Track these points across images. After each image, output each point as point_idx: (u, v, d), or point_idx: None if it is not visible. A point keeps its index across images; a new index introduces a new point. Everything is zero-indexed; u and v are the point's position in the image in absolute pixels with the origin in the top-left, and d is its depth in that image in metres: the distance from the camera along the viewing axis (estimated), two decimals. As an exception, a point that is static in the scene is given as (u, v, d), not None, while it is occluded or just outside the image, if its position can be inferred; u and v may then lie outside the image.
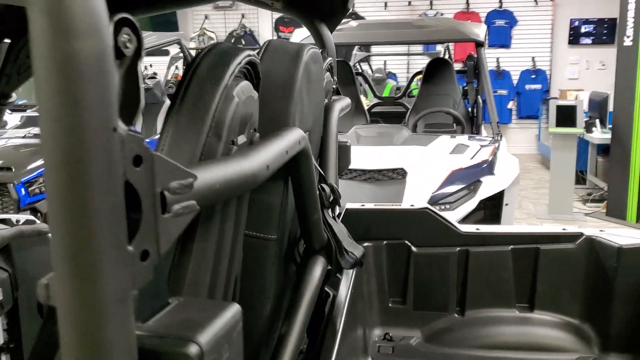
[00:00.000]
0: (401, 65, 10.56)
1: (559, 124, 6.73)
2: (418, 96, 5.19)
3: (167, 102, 5.77)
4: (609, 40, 10.01)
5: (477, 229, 2.12)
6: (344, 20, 4.71)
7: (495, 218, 3.73)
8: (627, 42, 6.46)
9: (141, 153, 0.58)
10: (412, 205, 2.16)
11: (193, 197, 0.65)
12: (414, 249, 2.11)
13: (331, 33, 2.28)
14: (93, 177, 0.52)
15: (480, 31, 4.52)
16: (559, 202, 6.89)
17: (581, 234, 2.05)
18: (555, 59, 10.30)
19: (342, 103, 1.82)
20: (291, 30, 10.95)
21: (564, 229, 2.10)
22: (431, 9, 10.43)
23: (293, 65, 1.22)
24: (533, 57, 10.28)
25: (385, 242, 2.14)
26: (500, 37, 10.02)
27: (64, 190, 0.52)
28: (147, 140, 5.05)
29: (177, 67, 10.58)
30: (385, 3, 10.51)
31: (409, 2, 10.49)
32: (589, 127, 7.31)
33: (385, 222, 2.14)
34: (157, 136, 5.33)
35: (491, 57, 9.98)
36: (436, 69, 5.24)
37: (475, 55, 5.09)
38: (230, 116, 0.85)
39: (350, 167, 3.11)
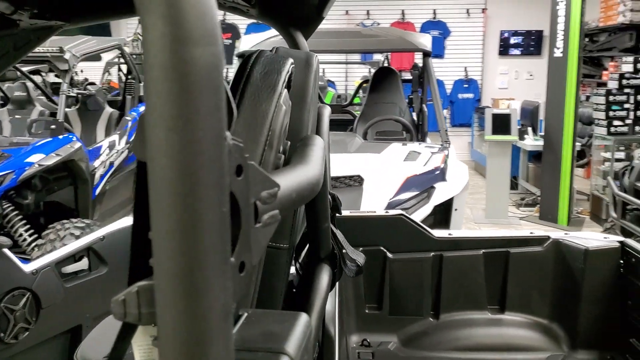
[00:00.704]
0: (340, 73, 10.67)
1: (495, 131, 6.99)
2: (365, 104, 5.26)
3: (108, 109, 5.59)
4: (536, 52, 10.49)
5: (449, 234, 2.18)
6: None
7: (445, 223, 3.83)
8: (558, 53, 6.79)
9: (242, 162, 0.57)
10: (387, 212, 2.19)
11: (276, 206, 0.64)
12: (389, 255, 2.14)
13: (306, 40, 2.29)
14: (207, 188, 0.51)
15: (427, 41, 4.64)
16: (495, 206, 7.14)
17: (548, 237, 2.13)
18: (486, 69, 10.69)
19: (328, 109, 1.83)
20: (228, 36, 10.87)
21: (531, 233, 2.18)
22: (368, 18, 10.60)
23: (306, 72, 1.22)
24: (465, 67, 10.62)
25: (361, 248, 2.16)
26: (435, 48, 10.28)
27: (176, 202, 0.50)
28: (89, 149, 4.89)
29: (109, 73, 10.27)
30: (323, 12, 10.60)
31: (347, 12, 10.62)
32: (521, 134, 7.61)
33: (361, 228, 2.16)
34: (98, 145, 5.13)
35: (426, 67, 10.24)
36: (382, 78, 5.33)
37: (420, 65, 5.22)
38: (280, 125, 0.85)
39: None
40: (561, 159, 6.89)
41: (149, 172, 0.50)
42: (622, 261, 2.01)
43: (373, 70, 9.53)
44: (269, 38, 4.51)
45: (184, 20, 0.47)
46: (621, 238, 2.08)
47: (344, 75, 10.78)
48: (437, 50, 10.33)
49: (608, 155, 6.94)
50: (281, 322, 0.67)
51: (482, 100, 10.66)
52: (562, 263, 2.08)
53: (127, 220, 2.86)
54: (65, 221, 4.22)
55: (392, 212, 2.18)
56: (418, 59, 9.70)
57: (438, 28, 10.35)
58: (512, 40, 10.53)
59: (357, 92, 6.24)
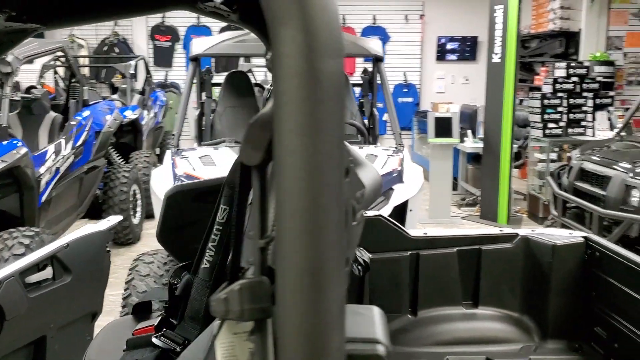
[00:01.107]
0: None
1: (438, 134, 7.21)
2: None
3: (52, 114, 5.41)
4: (471, 57, 10.87)
5: (424, 234, 2.25)
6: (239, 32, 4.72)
7: (401, 224, 3.93)
8: (496, 59, 7.06)
9: (348, 165, 0.60)
10: (365, 213, 2.24)
11: (363, 206, 0.67)
12: (368, 255, 2.19)
13: None
14: (331, 188, 0.54)
15: (378, 46, 4.74)
16: (438, 207, 7.35)
17: (516, 235, 2.25)
18: (425, 74, 10.98)
19: None
20: (168, 38, 10.70)
21: (501, 230, 2.29)
22: (309, 22, 10.68)
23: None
24: (405, 72, 10.87)
25: None
26: (375, 52, 10.50)
27: (306, 201, 0.53)
28: (34, 154, 4.71)
29: (43, 77, 9.90)
30: (264, 15, 10.60)
31: (287, 16, 10.65)
32: (461, 137, 7.87)
33: None
34: (43, 150, 4.94)
35: (367, 71, 10.40)
36: (333, 82, 5.39)
37: (370, 70, 5.32)
38: None
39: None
40: (500, 160, 7.17)
41: (280, 174, 0.52)
42: (586, 255, 2.13)
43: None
44: (222, 41, 4.50)
45: (319, 33, 0.51)
46: (585, 233, 2.22)
47: (285, 79, 10.80)
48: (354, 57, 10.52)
49: (542, 156, 7.27)
50: (360, 314, 0.70)
51: (421, 104, 10.93)
52: (531, 258, 2.20)
53: (90, 227, 2.79)
54: (12, 230, 4.06)
55: (369, 213, 2.24)
56: (360, 64, 9.87)
57: (378, 33, 10.54)
58: (449, 46, 10.86)
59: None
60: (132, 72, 7.86)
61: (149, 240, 6.47)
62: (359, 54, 4.76)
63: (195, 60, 4.53)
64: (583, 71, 7.27)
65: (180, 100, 10.67)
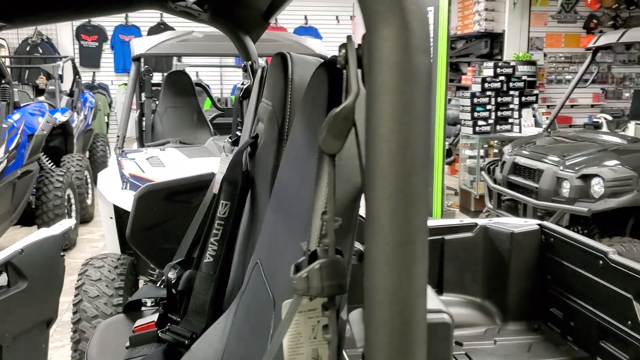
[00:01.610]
0: (214, 77, 10.61)
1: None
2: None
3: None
4: (400, 57, 11.13)
5: (391, 226, 2.33)
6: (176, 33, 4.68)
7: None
8: (428, 59, 7.29)
9: None
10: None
11: None
12: (360, 245, 2.25)
13: (254, 44, 2.35)
14: (420, 172, 0.59)
15: (322, 47, 4.81)
16: (376, 204, 7.49)
17: (476, 224, 2.36)
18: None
19: None
20: (94, 38, 10.38)
21: (461, 221, 2.40)
22: (241, 23, 10.65)
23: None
24: (337, 72, 11.01)
25: None
26: (307, 52, 10.59)
27: (403, 185, 0.58)
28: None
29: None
30: (195, 15, 10.48)
31: (219, 16, 10.58)
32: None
33: None
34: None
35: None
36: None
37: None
38: None
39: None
40: (434, 157, 7.41)
41: (374, 160, 0.57)
42: (541, 241, 2.28)
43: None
44: (165, 40, 4.44)
45: (416, 30, 0.56)
46: (539, 221, 2.36)
47: (218, 79, 10.73)
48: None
49: (473, 152, 7.57)
50: None
51: (354, 103, 11.11)
52: (491, 246, 2.32)
53: (44, 232, 2.71)
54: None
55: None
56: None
57: (310, 33, 10.64)
58: (379, 46, 11.09)
59: (249, 95, 6.27)
60: (60, 73, 7.59)
61: (85, 246, 6.28)
62: (304, 54, 4.80)
63: (138, 60, 4.45)
64: (509, 70, 7.61)
65: (106, 101, 10.34)
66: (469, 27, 9.77)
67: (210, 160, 3.83)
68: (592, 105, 9.68)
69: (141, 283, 3.68)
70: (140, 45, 4.46)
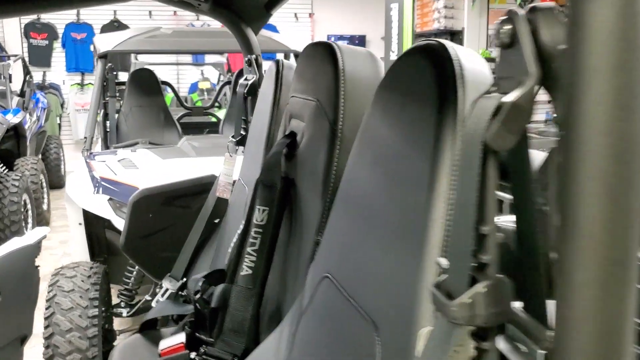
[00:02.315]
0: (171, 75, 10.33)
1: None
2: (230, 106, 5.16)
3: None
4: (360, 55, 11.11)
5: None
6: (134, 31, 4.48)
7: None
8: (393, 56, 7.27)
9: None
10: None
11: None
12: None
13: (255, 35, 2.23)
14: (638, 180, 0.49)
15: (295, 42, 4.68)
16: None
17: None
18: (316, 71, 11.07)
19: None
20: (44, 36, 9.95)
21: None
22: (198, 19, 10.40)
23: (377, 69, 1.20)
24: (296, 70, 10.90)
25: None
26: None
27: (621, 185, 0.47)
28: None
29: None
30: (150, 12, 10.18)
31: (175, 12, 10.31)
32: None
33: None
34: None
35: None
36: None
37: (282, 66, 5.23)
38: None
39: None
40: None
41: (582, 156, 0.46)
42: None
43: (217, 72, 9.37)
44: (133, 37, 4.24)
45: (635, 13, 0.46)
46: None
47: (175, 77, 10.46)
48: (272, 53, 10.47)
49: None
50: None
51: (314, 101, 11.02)
52: None
53: (17, 242, 2.51)
54: None
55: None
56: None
57: (269, 30, 10.49)
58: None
59: (218, 94, 6.10)
60: (10, 72, 7.22)
61: (43, 253, 5.97)
62: (277, 50, 4.68)
63: (104, 57, 4.23)
64: (472, 67, 7.65)
65: (59, 102, 9.94)
66: (428, 25, 9.79)
67: (186, 161, 3.67)
68: (549, 101, 9.82)
69: (114, 292, 3.49)
70: (106, 42, 4.24)
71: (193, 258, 1.95)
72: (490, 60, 8.29)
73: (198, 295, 1.25)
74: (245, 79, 2.17)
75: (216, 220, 2.01)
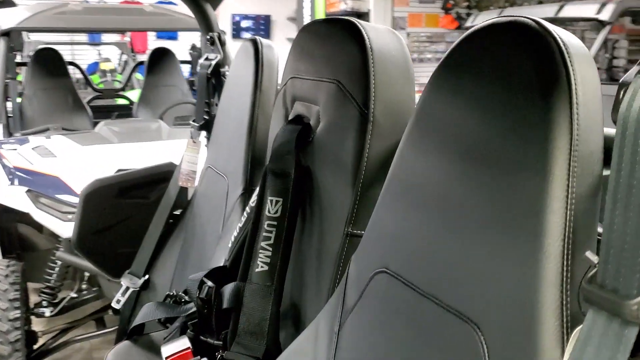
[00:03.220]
0: (65, 55, 9.68)
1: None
2: (144, 88, 4.89)
3: None
4: (265, 35, 10.94)
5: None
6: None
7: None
8: (305, 37, 7.21)
9: None
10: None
11: None
12: None
13: (214, 10, 2.11)
14: None
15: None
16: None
17: None
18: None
19: None
20: None
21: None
22: (92, -5, 9.79)
23: (403, 47, 1.13)
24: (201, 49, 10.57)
25: None
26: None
27: None
28: None
29: None
30: (39, -14, 9.46)
31: (67, -13, 9.65)
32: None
33: None
34: None
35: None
36: (159, 60, 5.01)
37: (199, 47, 5.02)
38: None
39: (122, 167, 2.82)
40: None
41: None
42: None
43: (117, 52, 8.87)
44: (40, 12, 3.90)
45: None
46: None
47: (70, 58, 9.83)
48: (173, 33, 10.07)
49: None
50: None
51: (219, 82, 10.77)
52: None
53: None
54: None
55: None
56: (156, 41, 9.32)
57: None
58: (244, 24, 10.83)
59: (130, 75, 5.76)
60: None
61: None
62: (195, 29, 4.47)
63: (7, 35, 3.85)
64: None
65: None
66: (335, 6, 9.78)
67: (108, 148, 3.45)
68: None
69: (30, 290, 3.23)
70: (8, 18, 3.86)
71: (155, 253, 1.81)
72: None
73: (204, 296, 1.14)
74: (207, 59, 2.03)
75: (177, 212, 1.89)
